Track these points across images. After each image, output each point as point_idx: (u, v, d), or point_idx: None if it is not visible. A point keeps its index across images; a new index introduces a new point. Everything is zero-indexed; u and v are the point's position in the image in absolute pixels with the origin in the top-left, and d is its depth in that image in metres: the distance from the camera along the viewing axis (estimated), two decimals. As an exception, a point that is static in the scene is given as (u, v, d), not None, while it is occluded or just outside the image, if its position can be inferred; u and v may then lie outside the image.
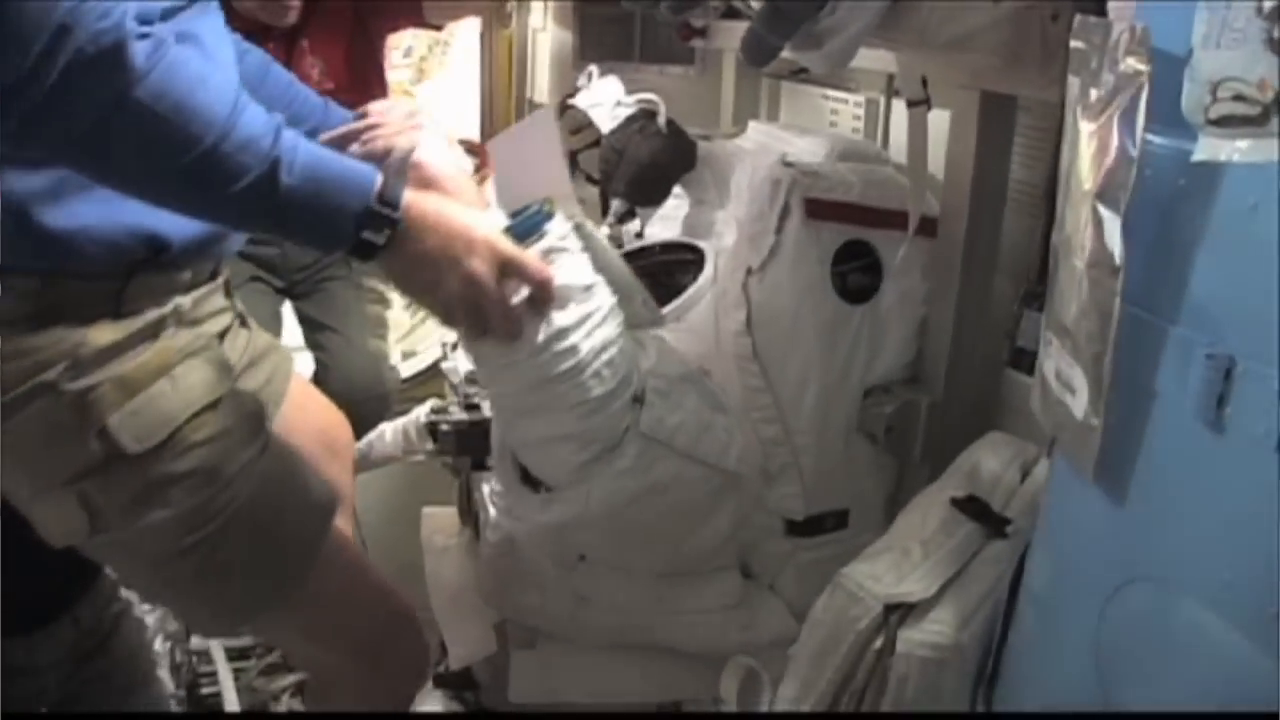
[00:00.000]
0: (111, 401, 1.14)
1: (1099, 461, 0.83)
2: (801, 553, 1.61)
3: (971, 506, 1.25)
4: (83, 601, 1.86)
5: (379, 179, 1.07)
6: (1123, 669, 0.86)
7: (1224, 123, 0.63)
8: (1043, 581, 0.99)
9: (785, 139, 1.74)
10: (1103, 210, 0.79)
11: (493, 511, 1.65)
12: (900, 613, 1.12)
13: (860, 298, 1.54)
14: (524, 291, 1.17)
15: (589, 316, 1.24)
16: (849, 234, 1.53)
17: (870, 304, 1.55)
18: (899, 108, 1.86)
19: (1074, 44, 0.85)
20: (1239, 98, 0.61)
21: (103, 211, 1.12)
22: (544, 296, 1.19)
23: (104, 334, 1.14)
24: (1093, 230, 0.80)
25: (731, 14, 1.96)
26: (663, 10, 1.22)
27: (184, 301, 1.21)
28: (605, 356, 1.26)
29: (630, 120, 1.79)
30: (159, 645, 2.52)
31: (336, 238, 1.07)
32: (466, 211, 1.14)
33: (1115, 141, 0.77)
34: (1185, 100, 0.66)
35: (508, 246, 1.15)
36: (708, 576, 1.60)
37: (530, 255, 1.18)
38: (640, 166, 1.75)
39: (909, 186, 1.49)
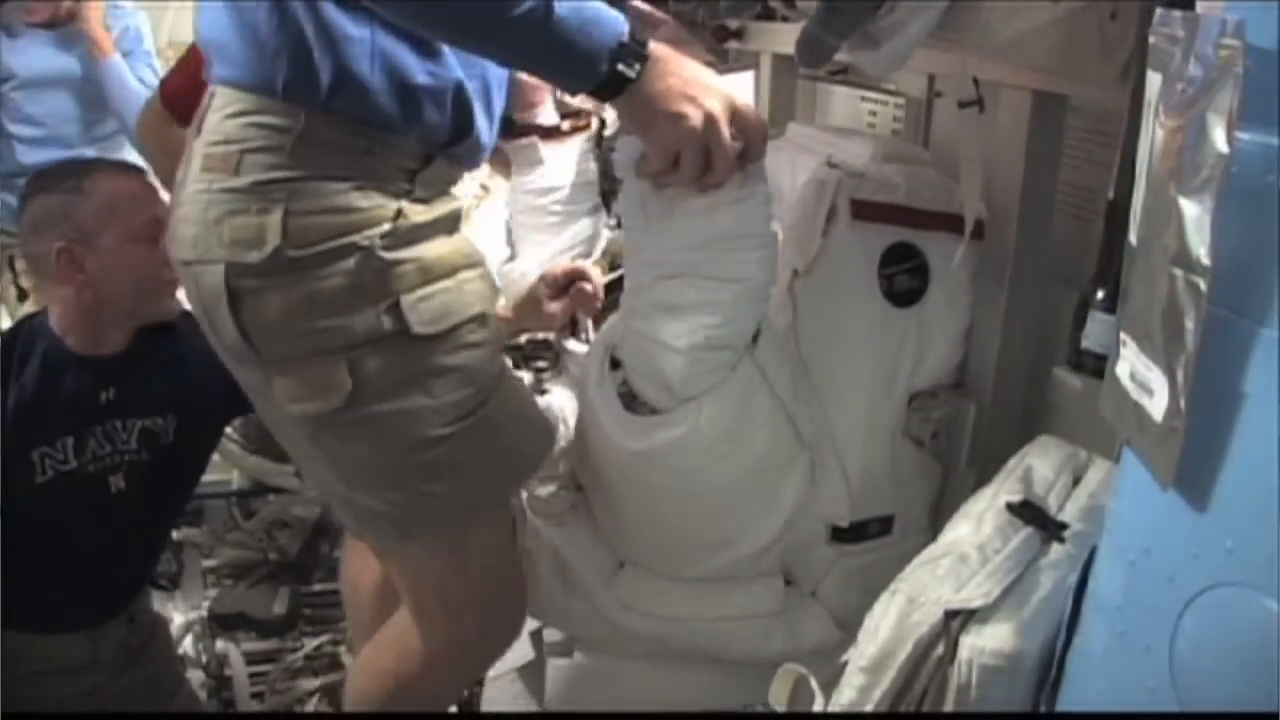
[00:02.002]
0: (411, 281, 1.20)
1: (1179, 465, 0.81)
2: (845, 559, 1.59)
3: (1027, 511, 1.22)
4: (137, 599, 1.93)
5: (627, 23, 1.17)
6: (1201, 678, 0.84)
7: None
8: (1112, 589, 0.97)
9: (828, 140, 1.72)
10: (1188, 208, 0.77)
11: (531, 517, 1.63)
12: (961, 619, 1.09)
13: (907, 301, 1.53)
14: (739, 144, 1.25)
15: (771, 199, 1.33)
16: (896, 236, 1.51)
17: (917, 307, 1.53)
18: (939, 108, 1.85)
19: (1153, 39, 0.83)
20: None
21: (449, 79, 1.21)
22: (758, 151, 1.28)
23: (417, 213, 1.22)
24: (1176, 229, 0.78)
25: (767, 15, 1.95)
26: (721, 9, 1.21)
27: (457, 207, 1.30)
28: (773, 249, 1.35)
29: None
30: (189, 645, 2.54)
31: (591, 71, 1.16)
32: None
33: (1203, 137, 0.75)
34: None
35: (736, 96, 1.23)
36: (749, 583, 1.59)
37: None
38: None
39: (963, 189, 1.47)
